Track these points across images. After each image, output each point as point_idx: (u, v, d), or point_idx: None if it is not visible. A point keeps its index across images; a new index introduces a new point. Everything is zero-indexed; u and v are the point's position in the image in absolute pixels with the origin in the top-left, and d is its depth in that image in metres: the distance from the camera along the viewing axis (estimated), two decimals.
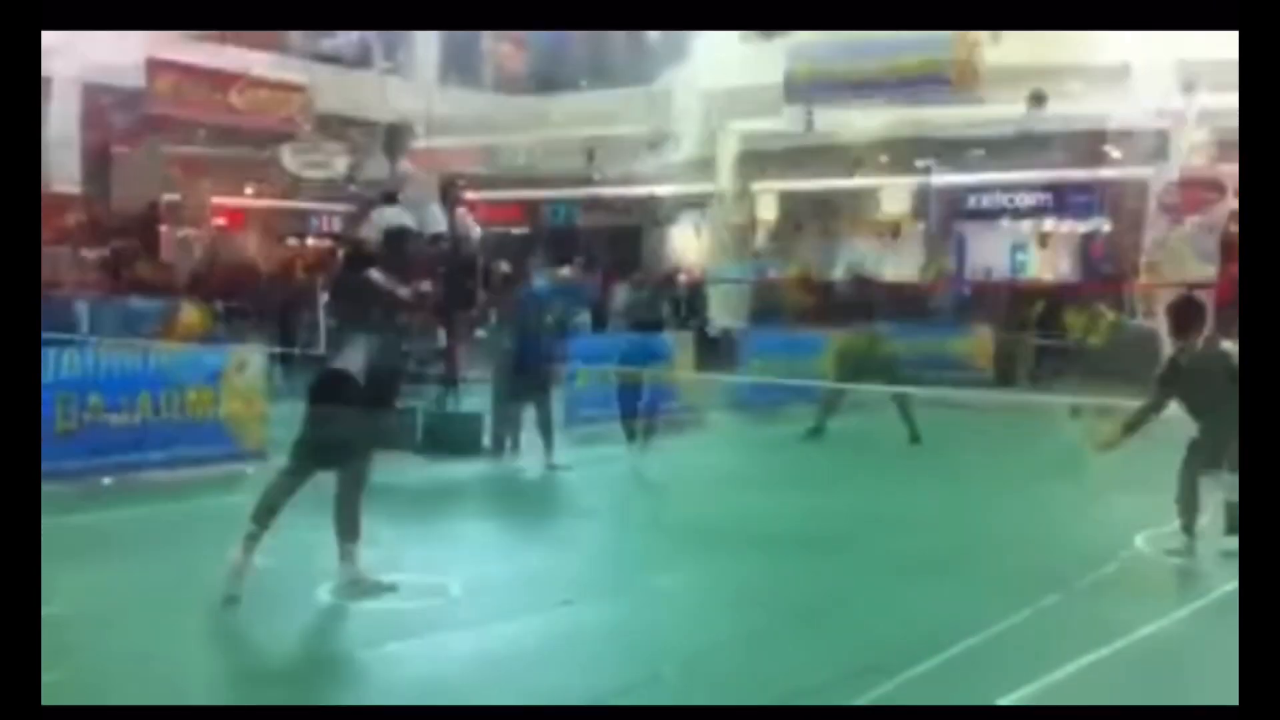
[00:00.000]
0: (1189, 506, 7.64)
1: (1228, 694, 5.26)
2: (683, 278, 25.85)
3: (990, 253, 28.51)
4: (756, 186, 23.89)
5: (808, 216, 30.07)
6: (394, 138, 11.88)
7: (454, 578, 6.73)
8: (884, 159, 22.82)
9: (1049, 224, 27.56)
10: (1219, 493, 7.48)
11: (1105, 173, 23.45)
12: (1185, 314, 7.77)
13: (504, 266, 13.83)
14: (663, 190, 27.30)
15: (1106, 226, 26.68)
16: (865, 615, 6.45)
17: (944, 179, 25.54)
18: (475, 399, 12.00)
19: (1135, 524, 8.32)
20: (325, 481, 6.32)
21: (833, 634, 6.10)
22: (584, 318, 23.76)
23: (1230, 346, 7.37)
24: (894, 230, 29.41)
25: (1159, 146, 16.71)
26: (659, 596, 6.83)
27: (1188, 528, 7.62)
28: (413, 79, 25.33)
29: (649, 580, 7.08)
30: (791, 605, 6.65)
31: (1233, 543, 7.43)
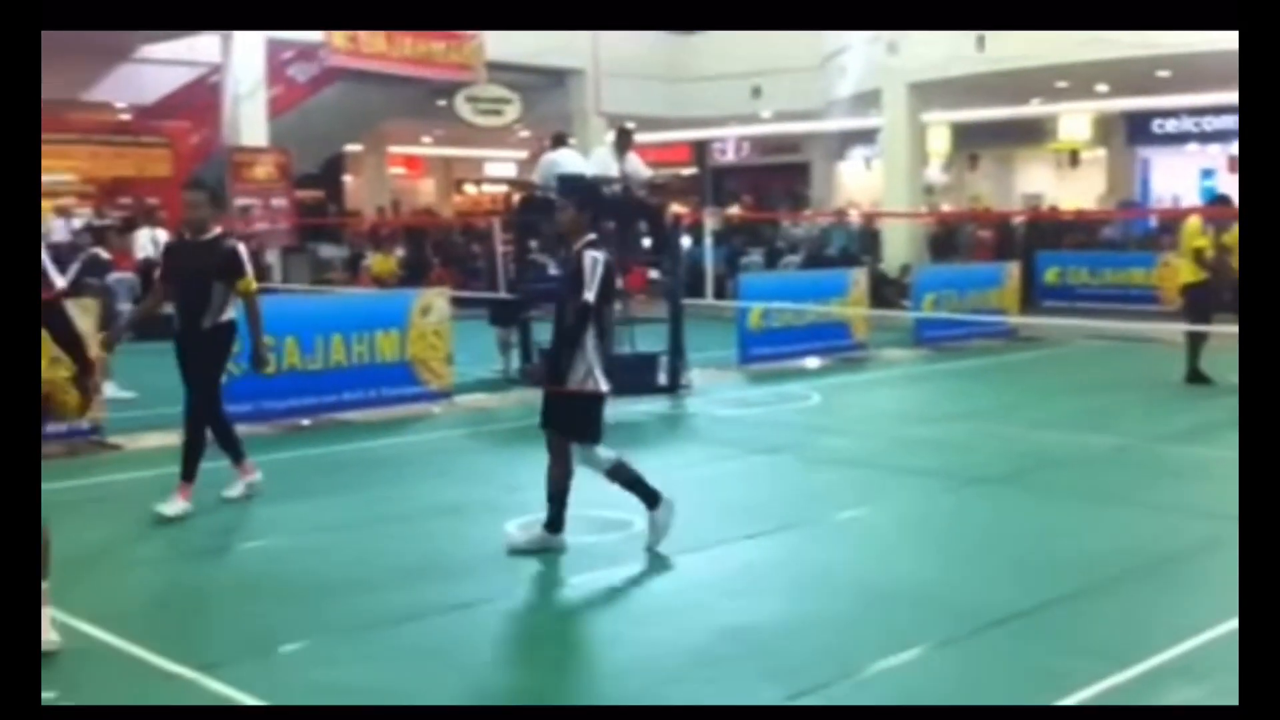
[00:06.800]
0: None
1: None
2: (854, 214, 25.55)
3: (1176, 179, 27.38)
4: (926, 117, 23.29)
5: (982, 146, 29.33)
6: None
7: (638, 513, 6.89)
8: (1061, 84, 22.01)
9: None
10: None
11: None
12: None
13: (675, 207, 13.90)
14: (831, 125, 26.93)
15: None
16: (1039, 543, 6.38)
17: (1125, 103, 24.54)
18: (651, 338, 12.14)
19: None
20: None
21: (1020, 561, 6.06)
22: (755, 256, 23.77)
23: None
24: (1073, 158, 28.49)
25: None
26: (845, 530, 6.90)
27: None
28: None
29: (834, 514, 7.14)
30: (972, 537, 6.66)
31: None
